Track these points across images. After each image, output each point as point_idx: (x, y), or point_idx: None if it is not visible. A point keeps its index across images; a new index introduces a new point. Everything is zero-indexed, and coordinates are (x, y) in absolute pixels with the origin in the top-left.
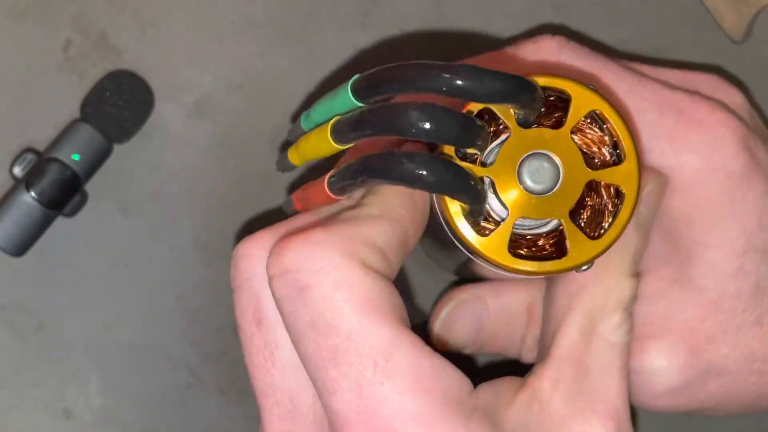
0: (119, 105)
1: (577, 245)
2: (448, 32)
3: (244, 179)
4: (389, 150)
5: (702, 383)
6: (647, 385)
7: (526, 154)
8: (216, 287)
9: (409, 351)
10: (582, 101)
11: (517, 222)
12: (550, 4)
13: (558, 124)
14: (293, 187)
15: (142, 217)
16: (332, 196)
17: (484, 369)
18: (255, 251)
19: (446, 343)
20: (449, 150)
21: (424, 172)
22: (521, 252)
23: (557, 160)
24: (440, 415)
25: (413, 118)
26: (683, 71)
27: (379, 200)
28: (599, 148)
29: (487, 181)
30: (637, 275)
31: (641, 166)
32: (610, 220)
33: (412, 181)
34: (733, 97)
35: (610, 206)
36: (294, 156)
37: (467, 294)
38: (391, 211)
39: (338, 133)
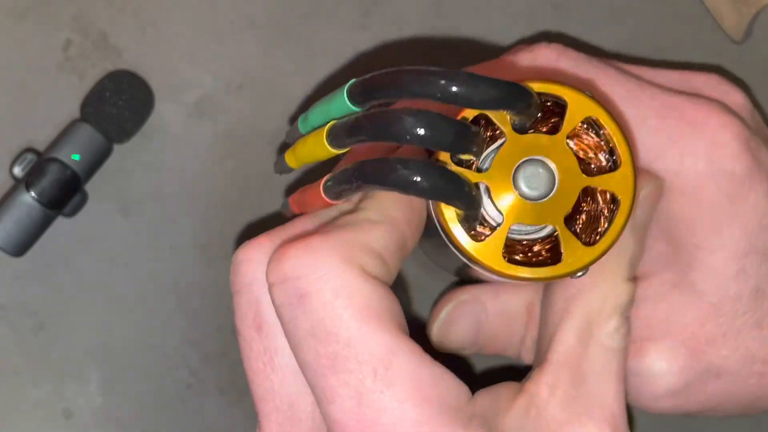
0: (119, 105)
1: (572, 251)
2: (448, 32)
3: (244, 179)
4: (384, 156)
5: (702, 385)
6: (647, 387)
7: (521, 160)
8: (216, 287)
9: (408, 359)
10: (578, 107)
11: (512, 227)
12: (549, 4)
13: (554, 130)
14: (291, 189)
15: (142, 217)
16: (328, 200)
17: (482, 375)
18: (255, 256)
19: (445, 343)
20: (445, 156)
21: (419, 179)
22: (517, 257)
23: (553, 166)
24: (439, 423)
25: (408, 124)
26: (683, 72)
27: (377, 204)
28: (596, 154)
29: (482, 186)
30: (633, 279)
31: (637, 172)
32: (606, 225)
33: (406, 188)
34: (735, 97)
35: (606, 212)
36: (291, 159)
37: (467, 295)
38: (388, 215)
39: (334, 138)
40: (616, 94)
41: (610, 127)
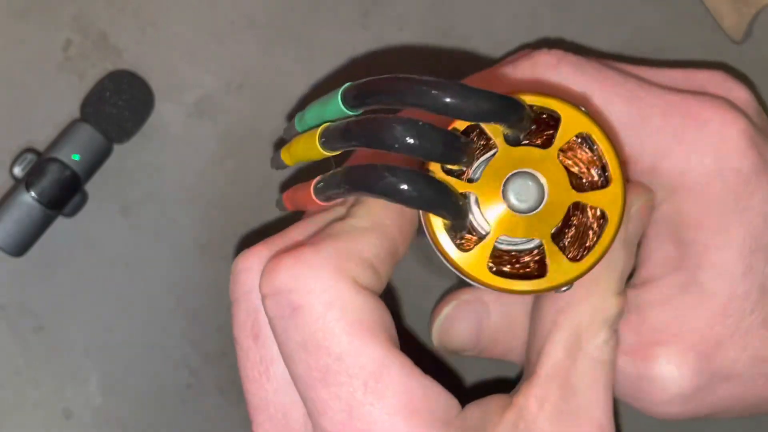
0: (119, 105)
1: (557, 266)
2: (448, 32)
3: (244, 179)
4: (386, 159)
5: (711, 388)
6: (656, 392)
7: (511, 173)
8: (216, 287)
9: (399, 372)
10: (571, 122)
11: (501, 238)
12: (549, 4)
13: (548, 142)
14: (287, 185)
15: (142, 217)
16: (318, 202)
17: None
18: (253, 265)
19: (446, 343)
20: (435, 165)
21: (405, 187)
22: (504, 268)
23: (543, 180)
24: None
25: (397, 133)
26: (687, 70)
27: (367, 211)
28: (588, 169)
29: (472, 197)
30: (623, 293)
31: (626, 190)
32: (594, 240)
33: (392, 196)
34: (740, 93)
35: (595, 226)
36: (286, 156)
37: (469, 295)
38: (379, 222)
39: (326, 141)
40: (618, 95)
41: (602, 144)
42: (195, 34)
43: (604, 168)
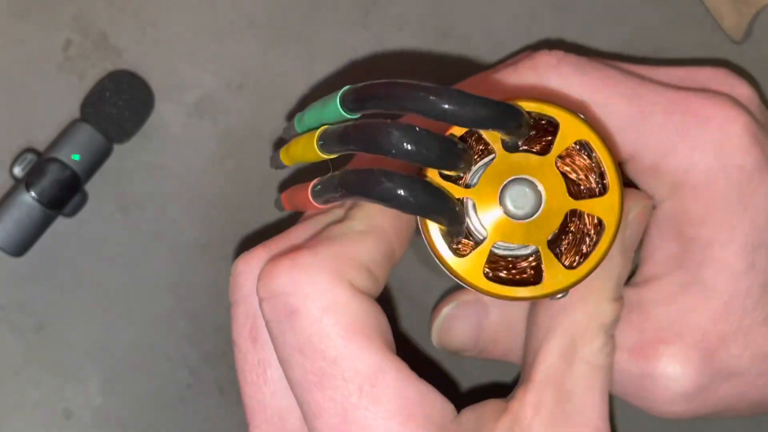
0: (119, 105)
1: (553, 274)
2: (448, 32)
3: (244, 179)
4: (384, 164)
5: (714, 387)
6: (659, 391)
7: (509, 179)
8: (216, 287)
9: (394, 376)
10: (570, 130)
11: (498, 243)
12: (549, 4)
13: (547, 149)
14: (285, 185)
15: (142, 217)
16: (316, 205)
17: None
18: (253, 268)
19: (445, 343)
20: (433, 170)
21: (402, 192)
22: (500, 274)
23: (540, 186)
24: None
25: (395, 139)
26: (688, 68)
27: (365, 214)
28: (586, 176)
29: (470, 202)
30: (620, 299)
31: (623, 199)
32: (590, 247)
33: (389, 201)
34: (742, 90)
35: (592, 233)
36: (285, 156)
37: (469, 295)
38: (376, 225)
39: (324, 143)
40: (619, 93)
41: (600, 152)
42: (195, 34)
43: (602, 175)
